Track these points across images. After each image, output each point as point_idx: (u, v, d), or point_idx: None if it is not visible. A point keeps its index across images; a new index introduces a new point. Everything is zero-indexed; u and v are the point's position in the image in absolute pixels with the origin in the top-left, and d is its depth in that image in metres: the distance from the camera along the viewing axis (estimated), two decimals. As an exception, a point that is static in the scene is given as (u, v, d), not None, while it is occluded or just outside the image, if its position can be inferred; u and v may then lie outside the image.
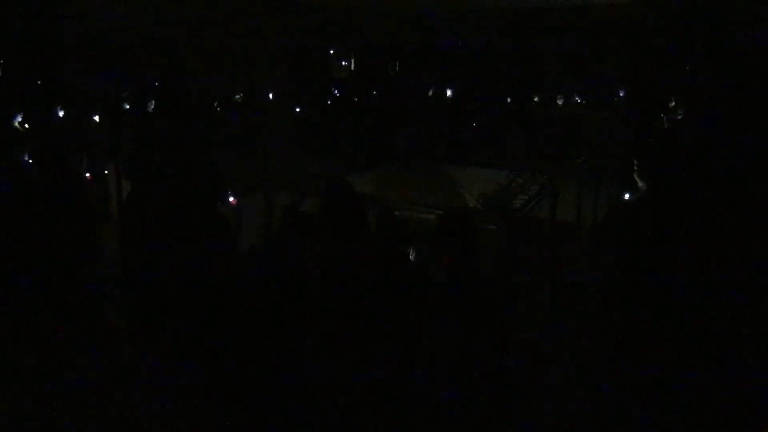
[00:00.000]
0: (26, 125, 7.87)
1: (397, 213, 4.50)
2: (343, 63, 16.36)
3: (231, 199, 4.27)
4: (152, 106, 9.57)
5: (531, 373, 3.93)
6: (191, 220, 3.91)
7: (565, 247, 5.66)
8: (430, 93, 13.09)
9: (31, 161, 6.24)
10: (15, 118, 7.66)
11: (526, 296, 4.55)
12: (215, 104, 10.96)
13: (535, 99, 12.06)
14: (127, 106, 9.71)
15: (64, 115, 8.46)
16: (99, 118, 8.58)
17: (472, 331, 3.19)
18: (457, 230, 3.19)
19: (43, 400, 3.92)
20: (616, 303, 4.18)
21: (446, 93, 12.80)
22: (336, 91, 13.43)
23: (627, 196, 4.79)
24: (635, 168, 4.46)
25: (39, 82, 10.72)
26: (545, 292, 4.79)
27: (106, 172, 7.76)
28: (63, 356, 4.31)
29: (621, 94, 11.04)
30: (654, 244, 4.13)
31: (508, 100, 12.48)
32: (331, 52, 16.14)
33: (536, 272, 4.88)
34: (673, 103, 9.22)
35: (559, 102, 11.52)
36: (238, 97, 11.73)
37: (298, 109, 12.26)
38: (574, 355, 4.15)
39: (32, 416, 3.83)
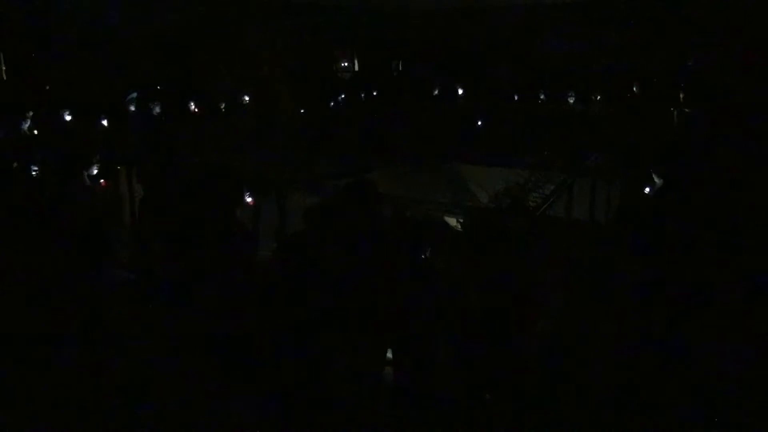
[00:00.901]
0: (35, 131, 7.86)
1: (408, 212, 4.46)
2: (347, 63, 16.36)
3: (248, 200, 4.23)
4: (157, 110, 9.54)
5: (559, 373, 3.87)
6: (209, 223, 3.87)
7: (584, 244, 5.60)
8: (436, 92, 13.05)
9: (39, 167, 6.24)
10: (23, 123, 7.65)
11: (551, 295, 4.49)
12: (221, 106, 10.93)
13: (541, 96, 12.01)
14: (132, 109, 9.68)
15: (71, 120, 8.44)
16: (107, 122, 8.55)
17: (499, 331, 3.14)
18: (490, 232, 3.14)
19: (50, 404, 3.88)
20: (642, 300, 4.14)
21: (453, 91, 12.76)
22: (340, 92, 13.40)
23: (647, 190, 4.76)
24: (651, 164, 4.43)
25: (46, 87, 10.69)
26: (569, 290, 4.74)
27: (115, 174, 7.73)
28: (73, 363, 4.26)
29: (634, 90, 10.96)
30: (673, 237, 4.10)
31: (516, 97, 12.42)
32: (335, 52, 16.14)
33: (559, 270, 4.82)
34: (684, 98, 9.17)
35: (571, 99, 11.46)
36: (245, 98, 11.69)
37: (302, 111, 12.22)
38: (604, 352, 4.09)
39: (42, 420, 3.79)
